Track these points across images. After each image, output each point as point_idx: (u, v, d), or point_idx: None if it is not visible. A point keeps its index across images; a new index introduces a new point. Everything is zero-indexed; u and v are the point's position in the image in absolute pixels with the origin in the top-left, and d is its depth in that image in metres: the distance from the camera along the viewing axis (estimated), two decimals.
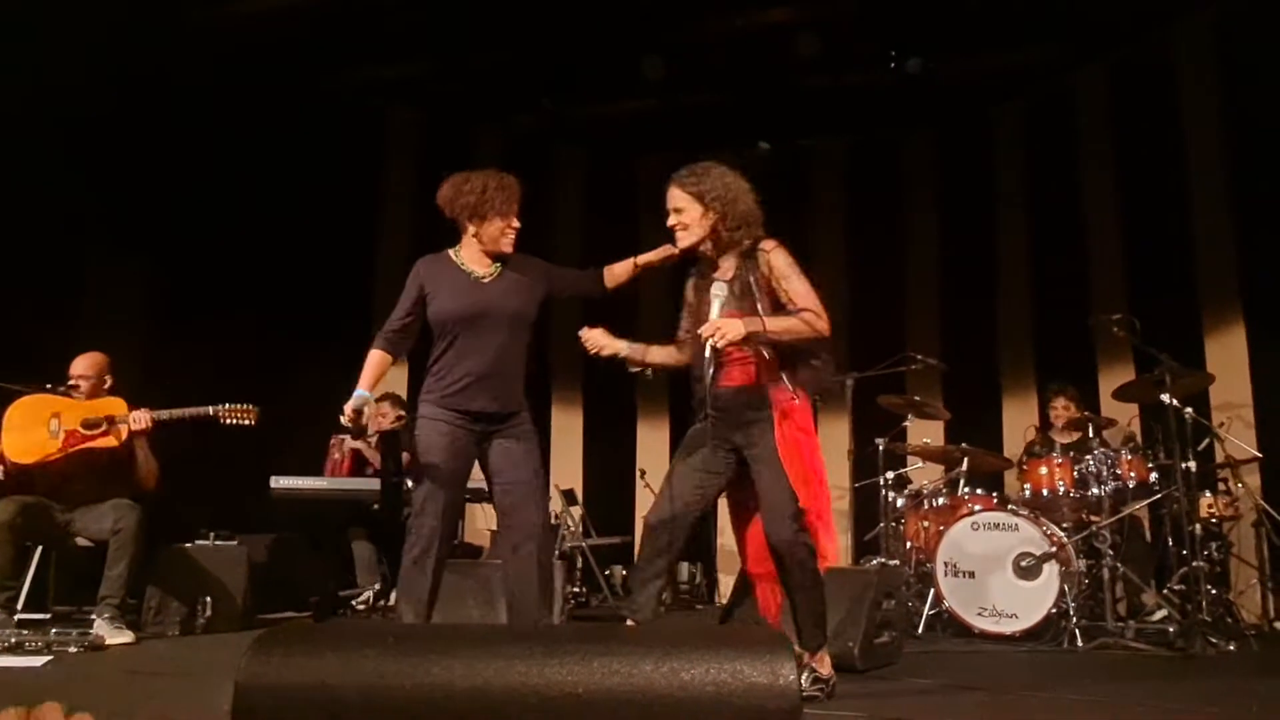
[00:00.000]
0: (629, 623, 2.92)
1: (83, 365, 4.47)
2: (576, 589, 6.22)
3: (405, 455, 5.80)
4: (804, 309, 2.80)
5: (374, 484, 5.80)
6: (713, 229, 2.91)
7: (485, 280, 3.20)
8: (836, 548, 2.91)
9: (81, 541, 4.38)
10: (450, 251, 3.28)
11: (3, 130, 5.17)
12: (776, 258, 2.86)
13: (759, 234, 2.92)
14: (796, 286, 2.83)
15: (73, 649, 3.75)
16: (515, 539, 3.08)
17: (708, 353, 2.72)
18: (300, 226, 6.62)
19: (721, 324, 2.71)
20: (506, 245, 3.22)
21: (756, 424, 2.82)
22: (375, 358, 3.30)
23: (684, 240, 2.93)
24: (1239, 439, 5.28)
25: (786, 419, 2.79)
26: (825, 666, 2.87)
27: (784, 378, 2.83)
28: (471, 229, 3.22)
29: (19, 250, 5.24)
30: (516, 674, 0.92)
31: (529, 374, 3.25)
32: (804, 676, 2.80)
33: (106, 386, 4.50)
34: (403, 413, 6.13)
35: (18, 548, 4.21)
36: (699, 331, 2.76)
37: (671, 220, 2.93)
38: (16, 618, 4.17)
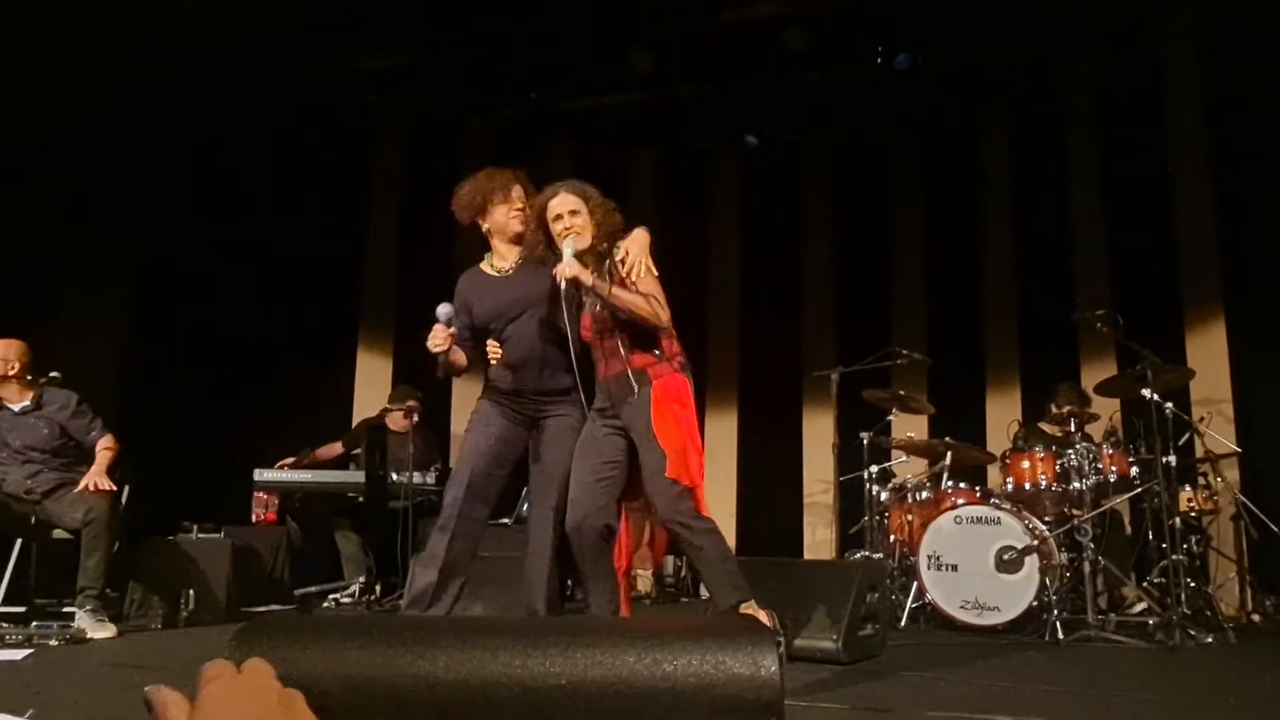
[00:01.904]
0: None
1: (14, 353, 4.40)
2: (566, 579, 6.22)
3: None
4: (647, 294, 2.98)
5: (358, 477, 5.79)
6: (595, 232, 3.08)
7: (509, 274, 3.25)
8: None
9: (57, 533, 4.36)
10: (483, 261, 3.35)
11: None
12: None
13: (615, 238, 3.11)
14: (646, 283, 3.00)
15: (54, 642, 3.72)
16: (536, 531, 3.16)
17: (561, 284, 2.93)
18: (287, 219, 6.59)
19: (575, 264, 2.93)
20: (516, 225, 3.25)
21: (634, 402, 2.96)
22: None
23: (583, 241, 3.06)
24: (1219, 434, 5.33)
25: (664, 393, 2.95)
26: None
27: (659, 354, 3.01)
28: (485, 226, 3.30)
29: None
30: (500, 665, 0.92)
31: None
32: None
33: (14, 372, 4.40)
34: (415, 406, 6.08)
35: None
36: (554, 272, 2.96)
37: (567, 223, 3.07)
38: None
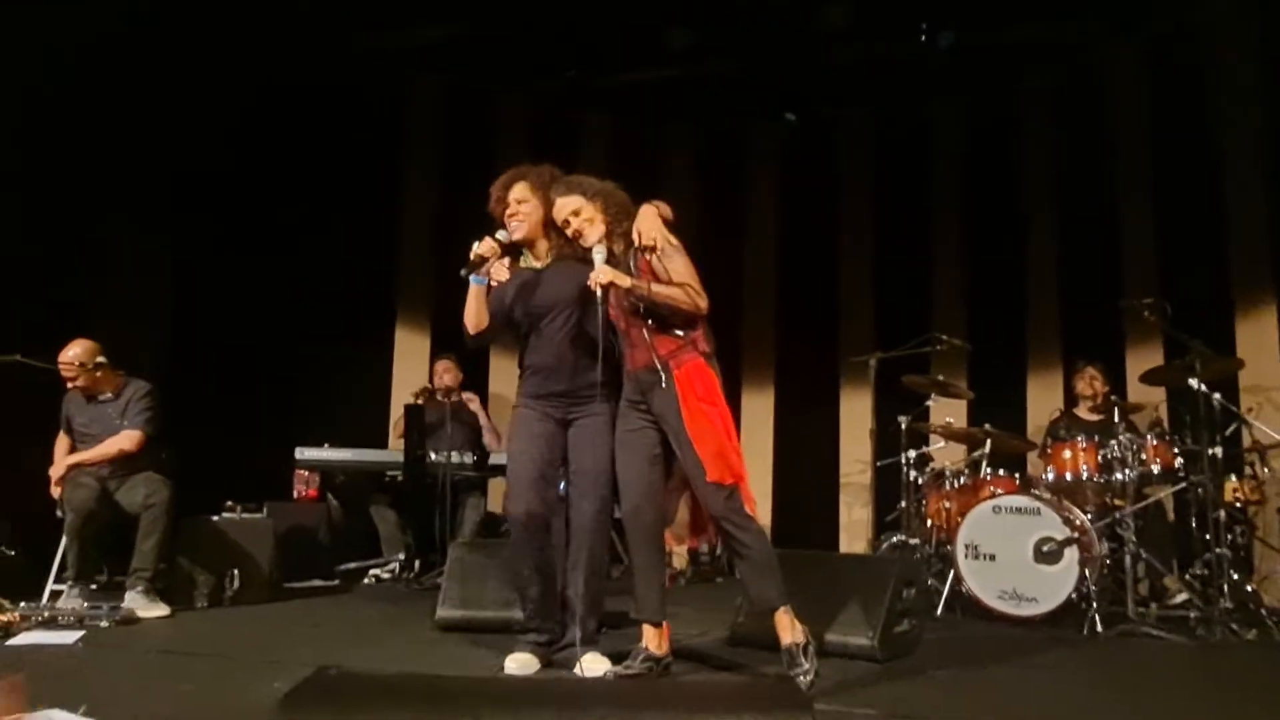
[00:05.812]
0: (643, 626, 3.07)
1: (75, 354, 4.45)
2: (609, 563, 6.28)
3: None
4: (684, 284, 2.93)
5: (396, 455, 5.85)
6: (605, 217, 3.05)
7: (540, 271, 3.26)
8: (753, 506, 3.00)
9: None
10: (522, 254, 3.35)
11: (25, 104, 5.19)
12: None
13: (628, 212, 3.06)
14: (677, 265, 2.95)
15: (105, 624, 3.82)
16: (574, 528, 3.19)
17: (598, 291, 2.88)
18: (324, 195, 6.61)
19: (608, 270, 2.89)
20: (519, 234, 3.24)
21: (662, 393, 2.94)
22: None
23: (594, 234, 3.04)
24: (1268, 422, 5.21)
25: (689, 386, 2.92)
26: (792, 632, 2.90)
27: (683, 339, 2.96)
28: None
29: (39, 227, 5.26)
30: None
31: None
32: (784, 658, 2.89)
33: (99, 373, 4.49)
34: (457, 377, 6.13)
35: (97, 532, 4.30)
36: (589, 281, 2.92)
37: (575, 225, 3.06)
38: (49, 589, 4.28)
